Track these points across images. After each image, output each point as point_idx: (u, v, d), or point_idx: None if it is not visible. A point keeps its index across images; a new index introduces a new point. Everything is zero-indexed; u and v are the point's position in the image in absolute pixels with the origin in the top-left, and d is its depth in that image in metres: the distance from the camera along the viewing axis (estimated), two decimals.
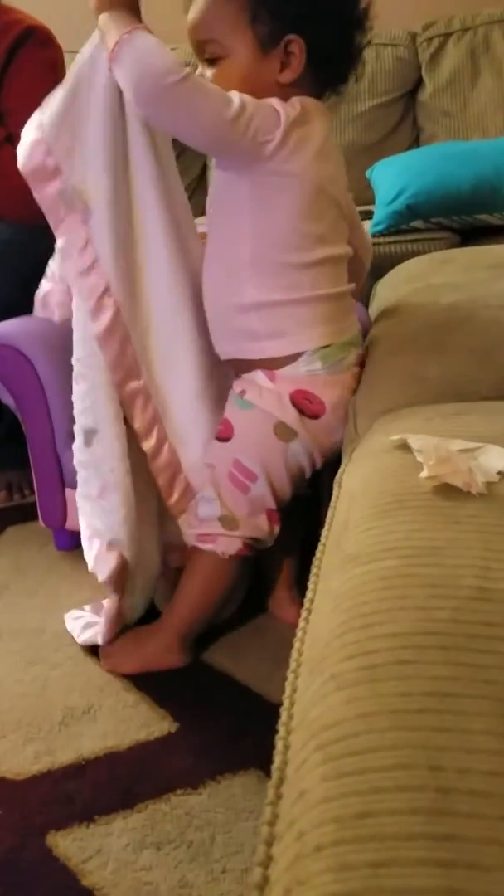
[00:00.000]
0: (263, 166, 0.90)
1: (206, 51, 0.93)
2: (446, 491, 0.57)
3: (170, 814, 0.87)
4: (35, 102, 1.53)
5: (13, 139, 1.50)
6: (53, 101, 1.01)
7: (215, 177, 1.01)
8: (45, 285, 1.17)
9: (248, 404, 1.01)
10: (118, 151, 1.01)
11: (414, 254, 1.56)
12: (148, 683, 1.07)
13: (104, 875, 0.80)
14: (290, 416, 0.98)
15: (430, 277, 1.22)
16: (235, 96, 0.87)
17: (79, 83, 1.00)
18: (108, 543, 1.07)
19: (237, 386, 1.04)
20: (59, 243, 1.06)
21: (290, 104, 0.91)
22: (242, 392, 1.02)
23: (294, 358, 0.98)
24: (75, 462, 1.12)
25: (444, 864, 0.29)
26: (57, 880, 0.80)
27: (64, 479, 1.41)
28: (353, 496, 0.64)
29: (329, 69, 0.95)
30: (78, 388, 1.08)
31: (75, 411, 1.10)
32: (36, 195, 1.02)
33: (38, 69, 1.53)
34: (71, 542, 1.47)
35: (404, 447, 0.65)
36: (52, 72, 1.56)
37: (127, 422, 1.07)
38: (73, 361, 1.08)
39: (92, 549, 1.10)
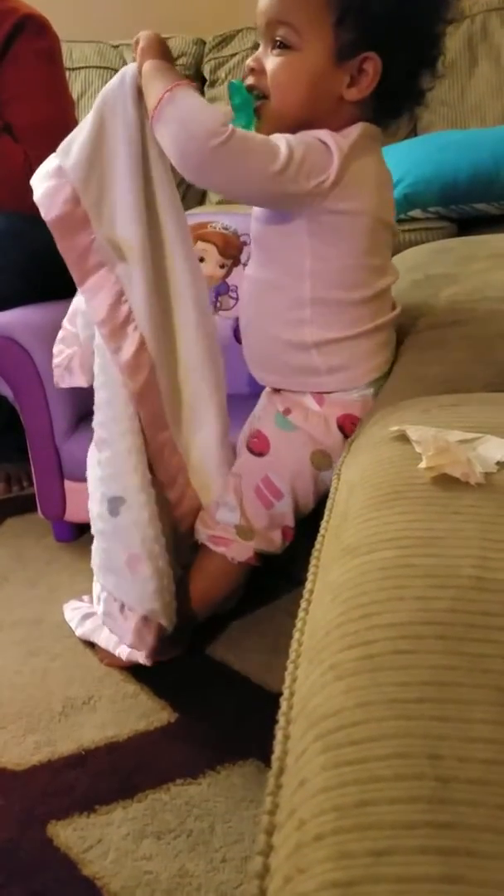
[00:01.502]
0: (321, 205, 0.86)
1: (278, 33, 0.85)
2: (445, 482, 0.57)
3: (170, 803, 0.87)
4: (32, 92, 1.54)
5: (11, 129, 1.50)
6: (77, 146, 0.94)
7: (262, 210, 0.95)
8: (63, 350, 1.09)
9: (290, 425, 0.99)
10: (145, 197, 0.96)
11: (411, 244, 1.56)
12: (147, 674, 1.08)
13: (104, 864, 0.80)
14: (335, 440, 0.96)
15: (428, 268, 1.22)
16: (282, 143, 0.82)
17: (104, 127, 0.93)
18: (144, 618, 1.02)
19: (280, 403, 1.00)
20: (82, 300, 1.01)
21: (343, 134, 0.86)
22: (287, 411, 0.99)
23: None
24: (94, 531, 1.06)
25: (445, 851, 0.29)
26: (57, 870, 0.80)
27: (63, 470, 1.42)
28: (351, 487, 0.64)
29: (390, 101, 0.90)
30: (101, 455, 1.02)
31: (97, 478, 1.04)
32: (62, 246, 0.95)
33: (35, 58, 1.52)
34: (70, 534, 1.48)
35: (403, 438, 0.65)
36: (49, 61, 1.56)
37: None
38: (95, 426, 1.02)
39: (126, 620, 1.04)
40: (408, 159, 1.77)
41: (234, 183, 0.85)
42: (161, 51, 0.89)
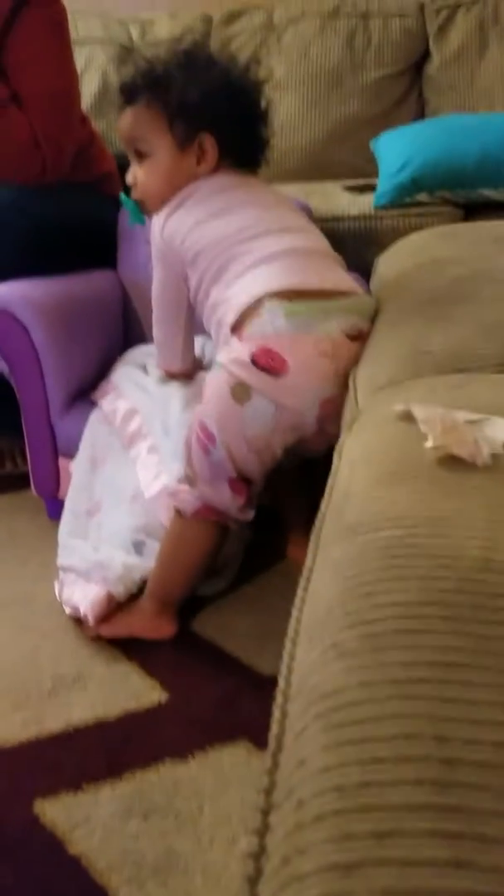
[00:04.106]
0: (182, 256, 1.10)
1: (136, 147, 1.11)
2: (451, 462, 0.56)
3: (158, 783, 0.86)
4: (39, 62, 1.51)
5: (18, 99, 1.47)
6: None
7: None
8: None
9: (217, 365, 1.03)
10: None
11: (417, 228, 1.53)
12: (138, 653, 1.07)
13: (91, 843, 0.79)
14: (248, 371, 0.98)
15: (433, 251, 1.20)
16: (153, 299, 1.16)
17: None
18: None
19: (217, 355, 1.07)
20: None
21: (174, 200, 1.09)
22: (220, 356, 1.05)
23: (258, 311, 0.99)
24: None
25: (451, 835, 0.28)
26: (43, 847, 0.79)
27: (57, 447, 1.40)
28: (354, 466, 0.63)
29: (241, 158, 1.12)
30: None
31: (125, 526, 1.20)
32: None
33: (43, 28, 1.50)
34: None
35: (408, 417, 0.64)
36: (57, 31, 1.54)
37: None
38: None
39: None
40: (415, 143, 1.74)
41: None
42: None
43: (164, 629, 1.11)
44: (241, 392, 0.99)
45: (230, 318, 1.02)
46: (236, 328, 1.02)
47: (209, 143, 1.09)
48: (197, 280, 1.09)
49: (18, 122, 1.46)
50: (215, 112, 1.08)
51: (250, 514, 1.07)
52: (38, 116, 1.46)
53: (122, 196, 1.16)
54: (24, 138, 1.46)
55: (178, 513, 1.07)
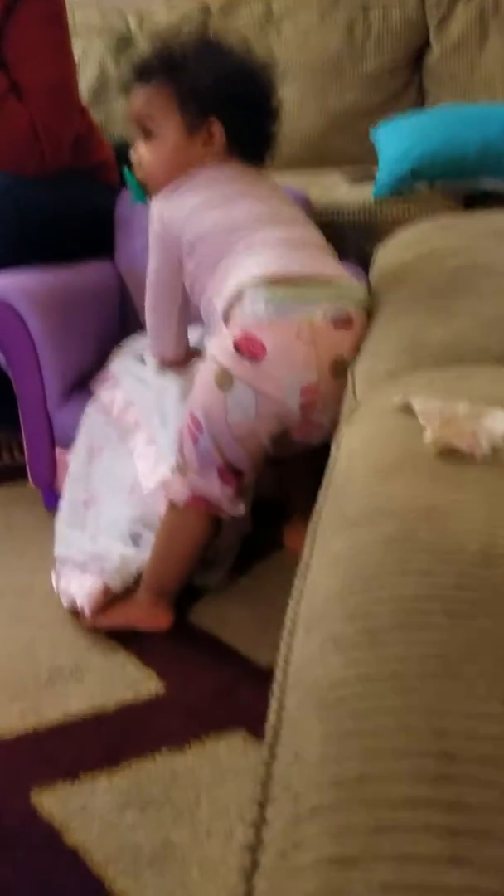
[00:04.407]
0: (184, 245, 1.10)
1: (145, 124, 1.11)
2: (450, 455, 0.55)
3: (155, 774, 0.86)
4: (39, 52, 1.50)
5: (18, 89, 1.46)
6: None
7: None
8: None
9: (208, 354, 1.04)
10: None
11: (417, 219, 1.53)
12: (135, 644, 1.07)
13: (88, 834, 0.79)
14: (230, 357, 0.98)
15: (433, 242, 1.19)
16: (147, 284, 1.16)
17: None
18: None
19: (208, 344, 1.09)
20: None
21: (174, 184, 1.09)
22: (208, 346, 1.07)
23: (242, 299, 1.00)
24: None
25: (450, 831, 0.28)
26: (41, 838, 0.80)
27: (54, 438, 1.40)
28: (352, 458, 0.63)
29: (246, 150, 1.12)
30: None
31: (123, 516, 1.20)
32: None
33: (41, 19, 1.49)
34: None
35: (407, 410, 0.64)
36: (56, 21, 1.53)
37: None
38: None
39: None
40: (414, 132, 1.73)
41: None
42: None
43: (160, 620, 1.11)
44: (223, 379, 0.99)
45: (220, 306, 1.03)
46: (225, 317, 1.03)
47: (217, 129, 1.09)
48: (193, 269, 1.09)
49: (17, 113, 1.45)
50: (226, 99, 1.08)
51: (241, 508, 1.07)
52: (37, 107, 1.45)
53: (126, 171, 1.16)
54: (23, 129, 1.45)
55: (171, 504, 1.07)
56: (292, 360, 0.97)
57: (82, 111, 1.64)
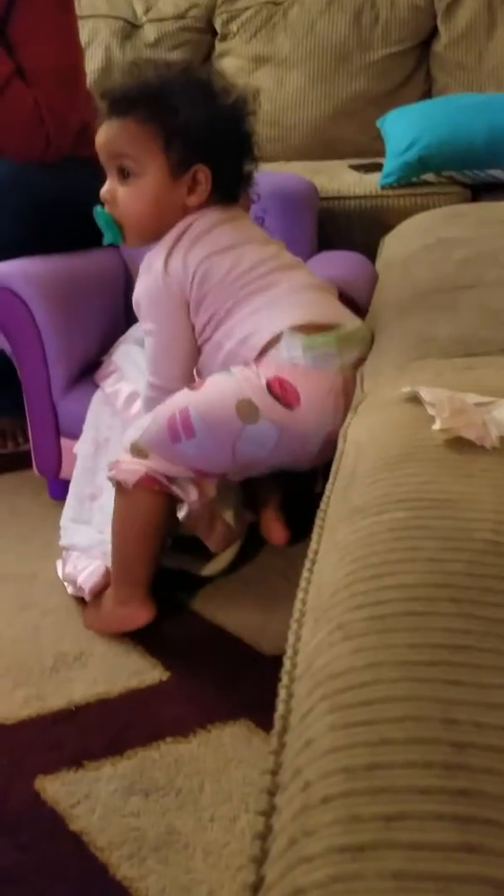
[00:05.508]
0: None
1: (121, 163, 1.01)
2: (458, 444, 0.55)
3: (159, 761, 0.87)
4: (45, 36, 1.49)
5: (23, 73, 1.45)
6: None
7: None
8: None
9: (229, 372, 1.00)
10: None
11: (423, 208, 1.52)
12: (139, 632, 1.07)
13: (91, 820, 0.80)
14: (261, 394, 0.96)
15: (439, 232, 1.19)
16: (148, 334, 1.06)
17: None
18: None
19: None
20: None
21: (170, 237, 1.02)
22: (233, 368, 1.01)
23: (276, 341, 0.97)
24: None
25: (461, 819, 0.28)
26: (44, 824, 0.80)
27: (59, 426, 1.39)
28: (360, 448, 0.62)
29: (225, 192, 1.05)
30: None
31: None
32: None
33: (49, 3, 1.48)
34: (65, 491, 1.45)
35: (414, 400, 0.63)
36: (63, 5, 1.52)
37: None
38: None
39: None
40: (422, 121, 1.72)
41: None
42: None
43: (136, 617, 1.06)
44: (248, 413, 0.96)
45: (251, 355, 0.99)
46: (256, 356, 0.99)
47: (204, 175, 1.01)
48: (204, 321, 1.03)
49: (23, 97, 1.44)
50: (216, 145, 1.01)
51: (194, 494, 1.03)
52: (43, 92, 1.44)
53: (98, 209, 1.05)
54: (29, 113, 1.44)
55: (120, 486, 1.02)
56: (323, 410, 0.96)
57: (88, 98, 1.63)
